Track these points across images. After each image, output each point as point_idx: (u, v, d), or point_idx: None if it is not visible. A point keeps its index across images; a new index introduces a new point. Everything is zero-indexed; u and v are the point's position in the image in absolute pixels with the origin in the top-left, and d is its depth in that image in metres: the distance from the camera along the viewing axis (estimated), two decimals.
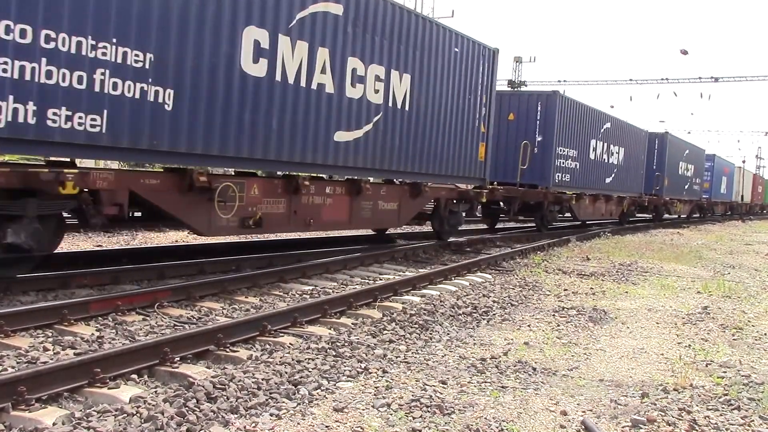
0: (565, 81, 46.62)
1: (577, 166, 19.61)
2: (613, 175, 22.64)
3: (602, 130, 21.44)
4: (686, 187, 32.41)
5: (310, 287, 8.71)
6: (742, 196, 48.12)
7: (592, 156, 20.69)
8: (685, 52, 45.43)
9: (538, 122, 17.82)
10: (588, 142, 20.37)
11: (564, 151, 18.56)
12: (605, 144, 21.79)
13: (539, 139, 17.73)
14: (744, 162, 67.87)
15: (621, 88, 79.17)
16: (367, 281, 9.48)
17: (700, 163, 35.11)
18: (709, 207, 39.19)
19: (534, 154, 17.53)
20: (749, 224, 36.26)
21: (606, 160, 22.00)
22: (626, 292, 9.62)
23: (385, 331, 6.49)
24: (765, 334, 7.28)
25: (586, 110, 20.21)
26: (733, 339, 7.01)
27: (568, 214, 20.56)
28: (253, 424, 3.99)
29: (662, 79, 46.87)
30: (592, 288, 9.83)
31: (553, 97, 18.15)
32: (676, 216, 32.84)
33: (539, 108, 17.80)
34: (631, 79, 48.22)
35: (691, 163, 32.95)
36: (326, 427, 4.01)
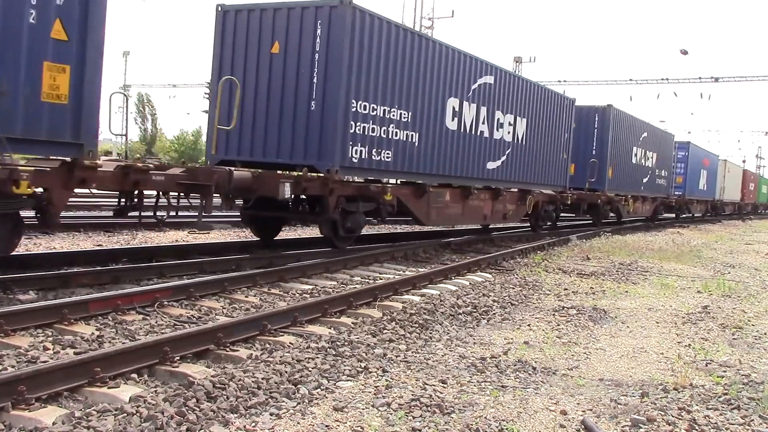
0: (565, 81, 46.35)
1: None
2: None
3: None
4: (644, 180, 25.91)
5: (310, 286, 8.71)
6: (724, 192, 40.87)
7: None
8: (685, 52, 45.43)
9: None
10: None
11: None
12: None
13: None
14: (744, 162, 66.25)
15: (621, 88, 79.11)
16: (367, 281, 9.47)
17: (666, 150, 28.62)
18: (683, 206, 32.37)
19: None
20: (749, 224, 36.25)
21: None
22: (626, 292, 9.62)
23: (385, 331, 6.49)
24: (765, 334, 7.28)
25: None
26: (733, 338, 7.01)
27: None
28: (253, 424, 3.99)
29: (662, 79, 46.68)
30: (592, 287, 9.83)
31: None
32: (633, 218, 26.88)
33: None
34: (631, 79, 48.02)
35: (652, 150, 26.58)
36: (326, 426, 4.01)
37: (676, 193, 31.52)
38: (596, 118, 21.84)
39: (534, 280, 10.29)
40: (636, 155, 24.76)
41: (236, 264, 9.59)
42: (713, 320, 7.84)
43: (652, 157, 26.57)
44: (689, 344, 6.65)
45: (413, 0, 30.66)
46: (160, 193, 9.14)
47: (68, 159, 7.17)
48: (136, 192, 8.51)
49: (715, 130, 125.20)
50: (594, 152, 21.69)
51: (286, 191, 9.97)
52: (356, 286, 8.88)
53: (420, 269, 10.53)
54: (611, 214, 23.74)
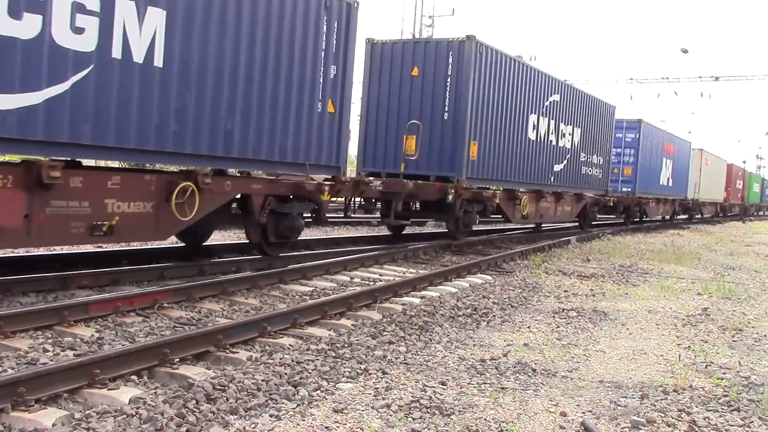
0: (565, 80, 46.28)
1: None
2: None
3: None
4: (557, 168, 17.72)
5: (310, 288, 8.71)
6: (699, 190, 33.58)
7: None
8: (685, 51, 45.42)
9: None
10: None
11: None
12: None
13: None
14: (744, 162, 64.70)
15: (621, 87, 79.23)
16: (367, 282, 9.47)
17: (602, 128, 20.50)
18: (634, 207, 24.52)
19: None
20: (749, 225, 36.21)
21: None
22: (626, 294, 9.62)
23: (385, 333, 6.49)
24: (765, 336, 7.28)
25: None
26: (733, 340, 7.01)
27: None
28: (253, 425, 3.99)
29: (662, 78, 46.63)
30: (592, 289, 9.83)
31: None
32: (541, 224, 19.87)
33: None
34: (631, 78, 48.07)
35: (573, 125, 18.39)
36: (326, 428, 4.01)
37: (624, 189, 24.20)
38: (450, 59, 13.65)
39: (534, 281, 10.29)
40: (537, 129, 16.30)
41: (236, 266, 9.59)
42: (713, 322, 7.84)
43: (571, 135, 18.37)
44: (689, 346, 6.65)
45: (413, 1, 30.69)
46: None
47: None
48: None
49: (716, 130, 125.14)
50: (445, 115, 13.68)
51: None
52: (356, 287, 8.88)
53: (420, 271, 10.53)
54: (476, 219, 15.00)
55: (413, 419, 4.21)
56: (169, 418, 3.94)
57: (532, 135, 16.16)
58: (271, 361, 5.28)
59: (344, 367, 5.23)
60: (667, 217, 30.45)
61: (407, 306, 7.78)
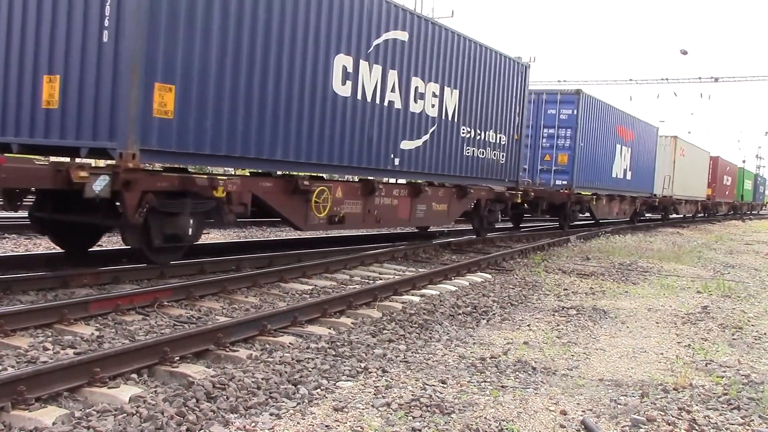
0: (565, 81, 46.17)
1: None
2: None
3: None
4: (412, 146, 12.21)
5: (310, 287, 8.71)
6: (673, 185, 28.61)
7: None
8: (684, 52, 45.41)
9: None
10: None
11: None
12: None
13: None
14: (744, 162, 63.79)
15: (621, 88, 79.09)
16: (367, 281, 9.47)
17: (505, 94, 15.06)
18: (571, 205, 19.19)
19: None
20: (749, 224, 36.22)
21: None
22: (626, 292, 9.62)
23: (385, 331, 6.49)
24: (765, 334, 7.28)
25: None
26: (733, 339, 7.01)
27: None
28: (253, 424, 3.99)
29: (662, 79, 46.57)
30: (591, 288, 9.83)
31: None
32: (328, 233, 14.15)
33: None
34: (631, 79, 47.94)
35: (444, 83, 12.95)
36: (326, 426, 4.01)
37: (559, 181, 18.89)
38: None
39: (534, 280, 10.30)
40: (356, 81, 10.74)
41: (236, 264, 9.59)
42: (713, 320, 7.84)
43: (439, 99, 12.74)
44: (689, 344, 6.65)
45: (413, 0, 30.60)
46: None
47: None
48: None
49: (715, 130, 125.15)
50: (105, 35, 7.64)
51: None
52: (356, 286, 8.88)
53: (420, 269, 10.53)
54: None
55: (413, 418, 4.21)
56: (169, 417, 3.94)
57: (342, 89, 10.32)
58: (271, 359, 5.28)
59: (344, 366, 5.23)
60: (626, 217, 25.09)
61: (407, 304, 7.78)
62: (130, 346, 4.97)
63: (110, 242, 12.04)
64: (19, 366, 4.81)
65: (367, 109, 11.03)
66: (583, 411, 4.52)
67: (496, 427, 4.15)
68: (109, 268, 8.25)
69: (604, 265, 12.55)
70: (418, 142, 12.39)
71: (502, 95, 15.11)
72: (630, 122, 23.60)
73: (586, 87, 39.99)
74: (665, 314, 8.11)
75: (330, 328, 6.56)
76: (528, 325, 7.16)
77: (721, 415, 4.56)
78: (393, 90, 11.54)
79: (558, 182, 19.18)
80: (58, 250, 9.94)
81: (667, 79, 46.23)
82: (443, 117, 13.07)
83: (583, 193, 20.09)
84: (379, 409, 4.32)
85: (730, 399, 4.87)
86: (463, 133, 13.76)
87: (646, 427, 4.27)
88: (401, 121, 11.84)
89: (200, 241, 12.05)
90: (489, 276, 10.57)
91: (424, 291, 8.85)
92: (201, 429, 3.90)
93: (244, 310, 7.23)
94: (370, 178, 11.62)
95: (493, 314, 7.66)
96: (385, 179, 12.56)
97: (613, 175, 22.37)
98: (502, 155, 15.42)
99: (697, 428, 4.30)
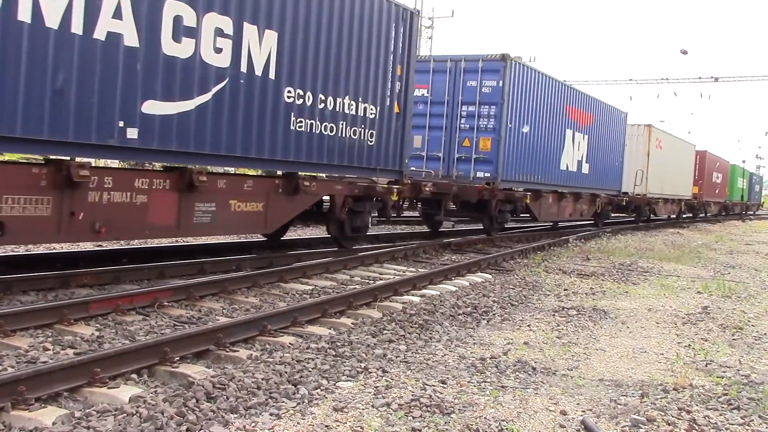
0: (565, 81, 46.34)
1: None
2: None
3: None
4: (171, 111, 7.88)
5: (310, 287, 8.71)
6: (647, 181, 24.77)
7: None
8: (684, 52, 45.51)
9: None
10: None
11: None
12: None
13: None
14: (744, 162, 62.92)
15: (621, 88, 79.16)
16: (367, 281, 9.47)
17: (367, 45, 10.78)
18: (497, 204, 15.48)
19: None
20: (749, 224, 36.20)
21: None
22: (626, 292, 9.62)
23: (385, 331, 6.49)
24: (765, 334, 7.28)
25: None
26: (733, 339, 7.01)
27: None
28: (253, 424, 3.99)
29: (662, 79, 46.70)
30: (592, 288, 9.83)
31: None
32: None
33: None
34: (631, 79, 48.04)
35: (244, 18, 8.59)
36: (326, 426, 4.01)
37: (482, 173, 14.99)
38: None
39: (534, 280, 10.29)
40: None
41: (236, 264, 9.59)
42: (713, 321, 7.84)
43: (236, 41, 8.65)
44: (689, 345, 6.65)
45: (413, 1, 30.64)
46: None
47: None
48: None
49: (715, 130, 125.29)
50: None
51: None
52: (356, 286, 8.88)
53: (420, 270, 10.53)
54: None
55: (413, 418, 4.21)
56: (169, 417, 3.94)
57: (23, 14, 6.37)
58: (271, 359, 5.28)
59: (344, 366, 5.23)
60: (584, 218, 21.40)
61: (407, 304, 7.78)
62: (130, 347, 4.97)
63: (110, 242, 12.05)
64: (19, 366, 4.81)
65: (55, 45, 6.70)
66: (583, 411, 4.52)
67: (496, 427, 4.15)
68: (109, 268, 8.25)
69: (604, 265, 12.55)
70: (186, 105, 8.10)
71: (369, 49, 10.90)
72: (587, 103, 19.33)
73: (587, 87, 36.40)
74: (665, 314, 8.11)
75: (330, 329, 6.56)
76: (528, 326, 7.16)
77: (721, 415, 4.56)
78: (117, 15, 7.20)
79: (480, 174, 14.95)
80: (58, 250, 9.95)
81: (667, 79, 46.36)
82: (244, 69, 8.76)
83: (512, 189, 15.98)
84: (379, 409, 4.32)
85: (730, 399, 4.87)
86: (288, 97, 9.52)
87: (646, 427, 4.27)
88: (141, 68, 7.51)
89: (200, 241, 12.06)
90: (489, 276, 10.56)
91: (424, 291, 8.85)
92: (201, 429, 3.90)
93: (244, 310, 7.23)
94: (65, 158, 7.15)
95: (494, 314, 7.66)
96: (111, 161, 9.12)
97: (562, 168, 18.02)
98: (370, 133, 11.16)
99: (697, 428, 4.30)
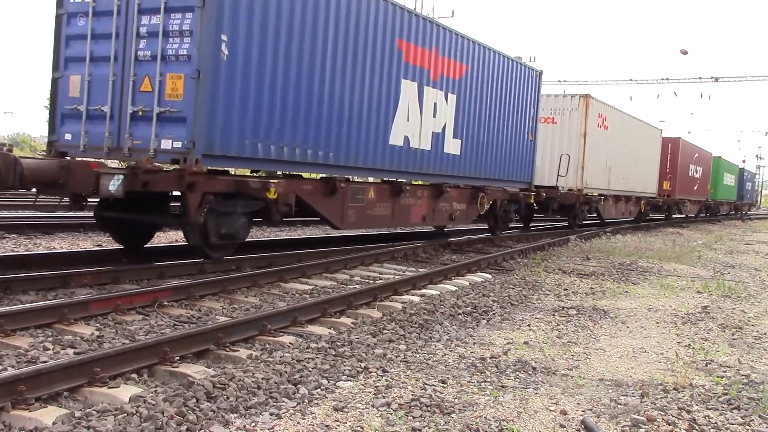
0: (565, 81, 46.22)
1: None
2: None
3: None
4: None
5: (310, 287, 8.70)
6: (585, 175, 18.57)
7: None
8: (685, 52, 45.37)
9: None
10: None
11: None
12: None
13: None
14: (744, 162, 62.25)
15: (621, 88, 79.15)
16: (367, 281, 9.47)
17: None
18: (276, 207, 9.19)
19: None
20: (749, 223, 36.19)
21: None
22: (626, 292, 9.62)
23: (385, 331, 6.49)
24: (765, 334, 7.28)
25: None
26: (733, 339, 7.01)
27: None
28: (253, 424, 3.99)
29: (662, 79, 46.60)
30: (592, 287, 9.83)
31: None
32: None
33: None
34: (631, 79, 47.94)
35: None
36: (326, 426, 4.01)
37: (168, 142, 8.28)
38: None
39: (534, 280, 10.29)
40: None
41: (236, 264, 9.59)
42: (713, 320, 7.84)
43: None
44: (689, 344, 6.65)
45: (413, 0, 30.55)
46: None
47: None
48: None
49: (715, 130, 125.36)
50: None
51: None
52: (356, 286, 8.88)
53: (420, 269, 10.53)
54: None
55: (413, 418, 4.21)
56: (169, 417, 3.94)
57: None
58: (271, 359, 5.28)
59: (344, 366, 5.23)
60: (463, 224, 15.10)
61: (407, 304, 7.78)
62: (130, 346, 4.96)
63: (110, 242, 12.05)
64: (19, 366, 4.81)
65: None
66: (583, 411, 4.52)
67: (496, 427, 4.15)
68: (109, 267, 8.26)
69: (604, 265, 12.56)
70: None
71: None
72: (454, 45, 12.79)
73: (587, 87, 35.37)
74: (665, 314, 8.11)
75: (330, 328, 6.56)
76: (528, 325, 7.16)
77: (721, 415, 4.56)
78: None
79: (165, 142, 8.40)
80: (57, 249, 9.96)
81: (667, 79, 46.25)
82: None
83: (263, 170, 10.22)
84: (379, 408, 4.32)
85: (730, 399, 4.87)
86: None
87: (646, 427, 4.27)
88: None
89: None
90: (489, 276, 10.56)
91: (424, 291, 8.85)
92: (201, 429, 3.90)
93: (244, 310, 7.22)
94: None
95: (494, 314, 7.66)
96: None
97: (394, 143, 11.59)
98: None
99: (697, 428, 4.30)
